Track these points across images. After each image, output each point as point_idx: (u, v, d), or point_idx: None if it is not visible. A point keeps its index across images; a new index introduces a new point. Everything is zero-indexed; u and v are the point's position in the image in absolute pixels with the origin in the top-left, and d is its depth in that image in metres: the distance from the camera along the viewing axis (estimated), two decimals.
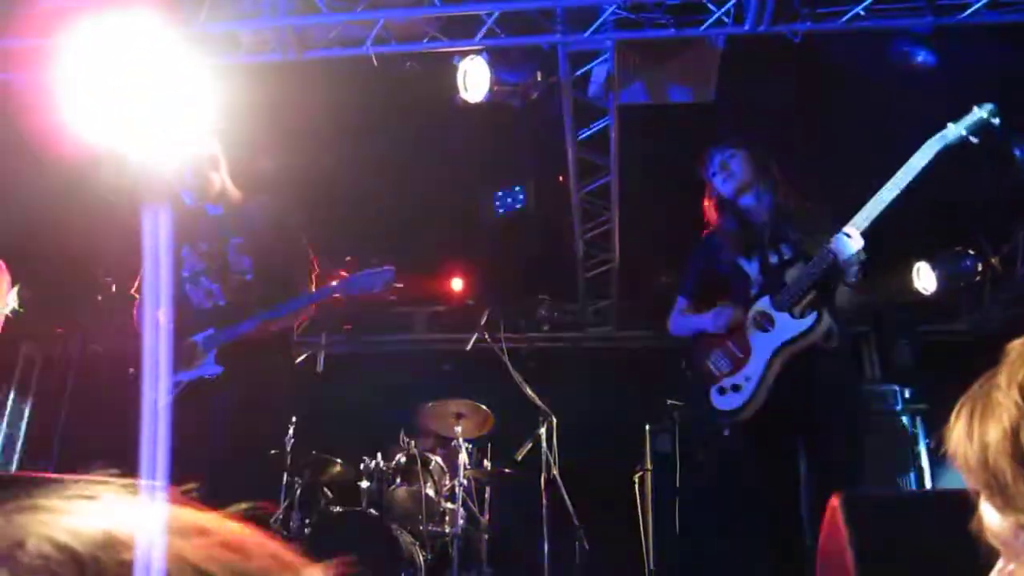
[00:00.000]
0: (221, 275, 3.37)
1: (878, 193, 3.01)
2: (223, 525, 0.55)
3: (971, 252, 6.02)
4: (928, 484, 5.54)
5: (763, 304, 3.19)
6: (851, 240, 3.00)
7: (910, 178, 2.96)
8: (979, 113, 2.97)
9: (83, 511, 0.52)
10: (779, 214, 3.33)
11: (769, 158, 3.42)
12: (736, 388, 3.19)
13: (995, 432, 0.86)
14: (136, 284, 3.55)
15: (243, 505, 0.64)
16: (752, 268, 3.28)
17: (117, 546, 0.49)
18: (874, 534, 1.56)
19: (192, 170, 3.41)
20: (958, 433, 0.91)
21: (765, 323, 3.17)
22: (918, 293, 6.22)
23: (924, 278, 6.21)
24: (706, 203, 3.52)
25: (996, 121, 2.97)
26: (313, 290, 3.40)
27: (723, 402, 3.23)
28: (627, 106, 5.17)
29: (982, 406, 0.89)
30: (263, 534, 0.56)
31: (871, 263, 3.06)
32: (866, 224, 3.01)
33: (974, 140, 2.96)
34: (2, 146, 5.09)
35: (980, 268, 5.98)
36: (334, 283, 3.37)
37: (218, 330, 3.30)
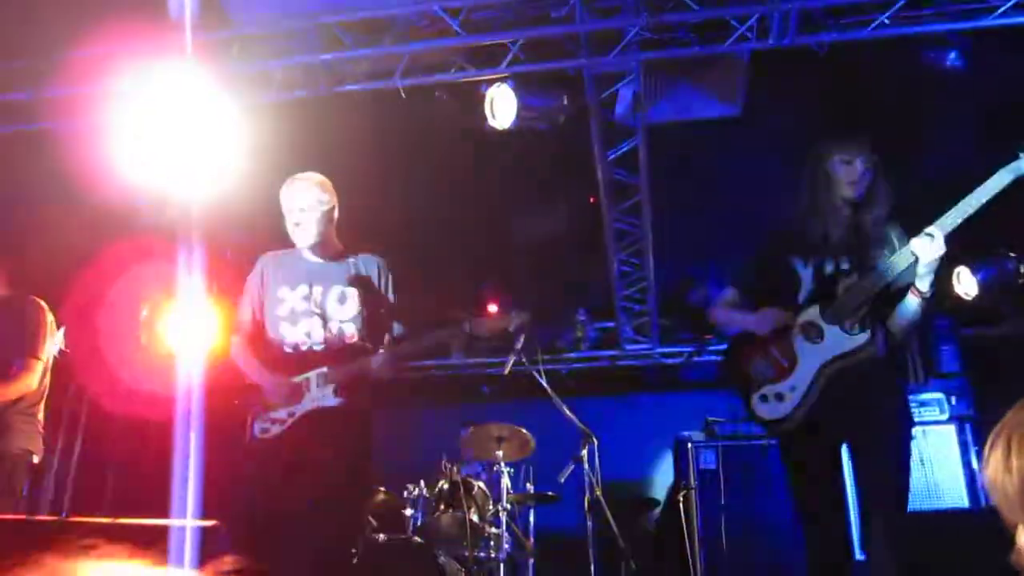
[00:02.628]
0: (321, 321, 3.50)
1: (959, 204, 2.93)
2: None
3: (1012, 255, 5.93)
4: (980, 491, 5.44)
5: (812, 314, 3.13)
6: (934, 242, 2.90)
7: (987, 198, 2.91)
8: None
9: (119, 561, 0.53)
10: (864, 227, 3.19)
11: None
12: (780, 397, 3.12)
13: None
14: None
15: None
16: (806, 274, 3.21)
17: None
18: (920, 552, 1.54)
19: (302, 217, 3.54)
20: (995, 463, 0.88)
21: (813, 334, 3.11)
22: (959, 298, 6.14)
23: (965, 282, 6.12)
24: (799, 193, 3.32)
25: None
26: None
27: (766, 410, 3.16)
28: (655, 124, 5.19)
29: (1019, 437, 0.87)
30: None
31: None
32: (950, 230, 2.93)
33: None
34: (46, 191, 5.24)
35: (1022, 271, 5.88)
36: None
37: (331, 368, 3.46)
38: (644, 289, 6.95)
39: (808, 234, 3.23)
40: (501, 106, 4.75)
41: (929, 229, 2.93)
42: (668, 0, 4.37)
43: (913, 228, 2.98)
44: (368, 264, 3.64)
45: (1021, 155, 2.93)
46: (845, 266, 3.15)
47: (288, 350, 3.52)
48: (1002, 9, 4.13)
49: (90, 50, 4.86)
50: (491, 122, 4.78)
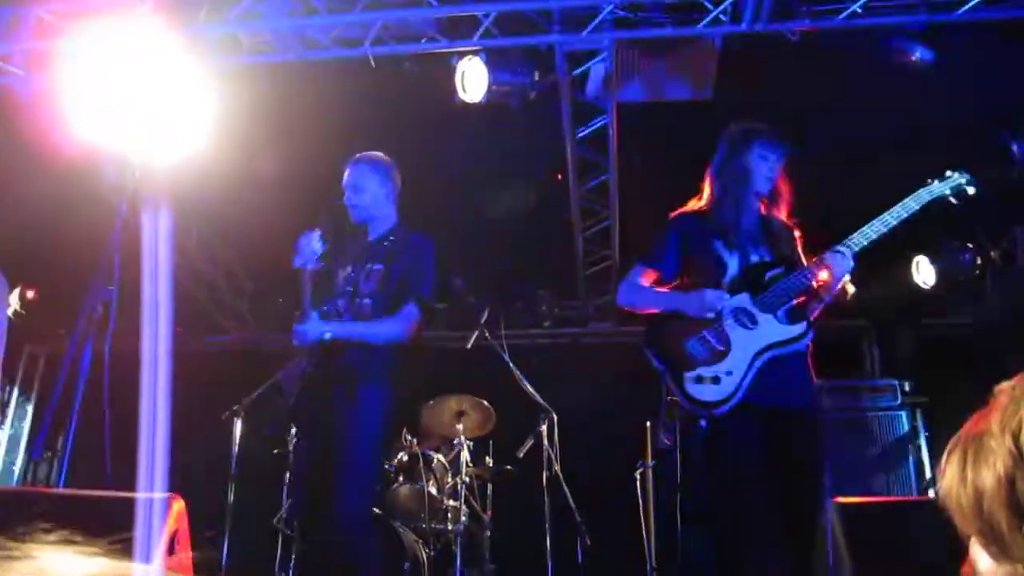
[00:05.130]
0: (351, 299, 3.57)
1: (872, 223, 3.22)
2: None
3: (970, 246, 6.03)
4: (928, 477, 5.57)
5: (743, 301, 3.21)
6: (844, 259, 3.17)
7: (902, 218, 3.22)
8: (958, 179, 3.32)
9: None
10: (770, 219, 3.40)
11: None
12: (715, 380, 3.17)
13: (989, 479, 0.85)
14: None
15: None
16: (732, 261, 3.29)
17: None
18: (870, 543, 1.57)
19: (365, 194, 3.71)
20: (951, 476, 0.89)
21: (747, 320, 3.19)
22: (918, 287, 6.24)
23: (923, 272, 6.23)
24: (710, 177, 3.46)
25: (972, 191, 3.33)
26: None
27: (700, 391, 3.19)
28: (626, 104, 5.18)
29: (974, 450, 0.87)
30: None
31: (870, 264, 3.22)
32: (857, 249, 3.20)
33: (954, 201, 3.32)
34: (4, 148, 5.11)
35: (979, 262, 5.99)
36: None
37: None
38: (609, 268, 6.98)
39: (722, 220, 3.32)
40: (472, 80, 4.72)
41: (840, 247, 3.19)
42: None
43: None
44: (409, 243, 3.71)
45: (931, 181, 3.32)
46: (768, 257, 3.31)
47: None
48: (971, 4, 4.17)
49: (50, 5, 4.73)
50: (461, 96, 4.74)
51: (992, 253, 5.97)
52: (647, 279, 3.46)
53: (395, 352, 3.52)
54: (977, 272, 6.01)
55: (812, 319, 3.27)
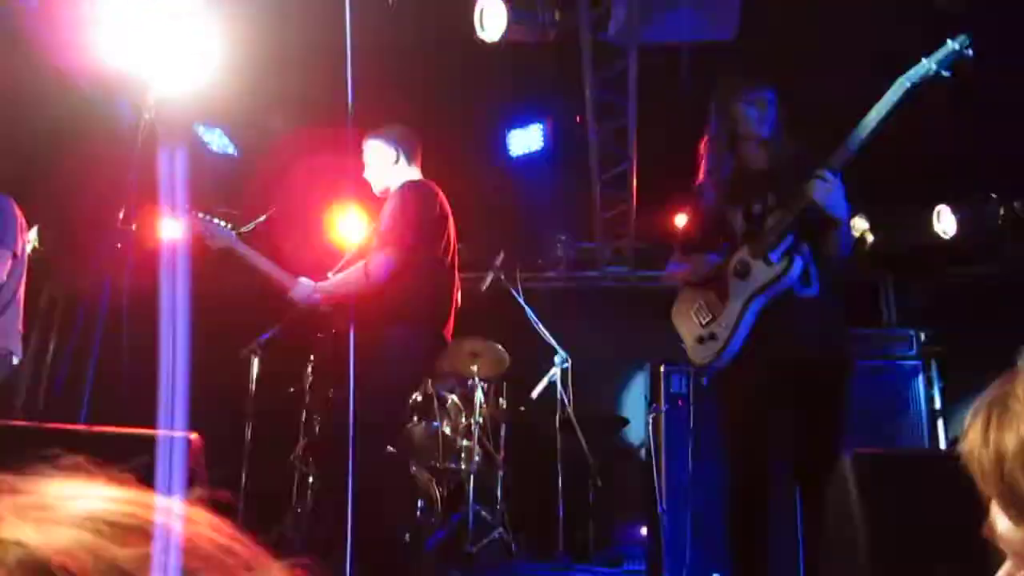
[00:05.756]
0: None
1: (851, 133, 2.95)
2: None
3: (993, 196, 5.94)
4: (941, 427, 5.57)
5: (742, 252, 3.17)
6: (826, 183, 2.96)
7: (882, 116, 2.89)
8: (952, 45, 2.85)
9: (62, 504, 0.48)
10: (779, 161, 3.26)
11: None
12: (712, 336, 3.17)
13: (1012, 442, 0.84)
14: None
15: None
16: (736, 217, 3.25)
17: (87, 551, 0.45)
18: (883, 494, 1.57)
19: (372, 169, 3.89)
20: (973, 437, 0.88)
21: (743, 271, 3.15)
22: (938, 236, 6.17)
23: (944, 221, 6.15)
24: (706, 141, 3.38)
25: (970, 52, 2.84)
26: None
27: (700, 352, 3.21)
28: (647, 45, 5.08)
29: (998, 412, 0.86)
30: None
31: (882, 206, 3.05)
32: (839, 165, 2.98)
33: (946, 74, 2.85)
34: (16, 83, 5.07)
35: (1002, 213, 5.90)
36: None
37: None
38: (625, 212, 6.93)
39: (724, 177, 3.27)
40: (491, 18, 4.63)
41: (820, 171, 2.97)
42: None
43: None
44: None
45: (923, 59, 2.89)
46: (772, 202, 3.19)
47: None
48: None
49: None
50: (480, 34, 4.66)
51: (1016, 204, 5.88)
52: (682, 256, 3.47)
53: (377, 298, 3.55)
54: (1000, 223, 5.93)
55: (812, 254, 3.11)
